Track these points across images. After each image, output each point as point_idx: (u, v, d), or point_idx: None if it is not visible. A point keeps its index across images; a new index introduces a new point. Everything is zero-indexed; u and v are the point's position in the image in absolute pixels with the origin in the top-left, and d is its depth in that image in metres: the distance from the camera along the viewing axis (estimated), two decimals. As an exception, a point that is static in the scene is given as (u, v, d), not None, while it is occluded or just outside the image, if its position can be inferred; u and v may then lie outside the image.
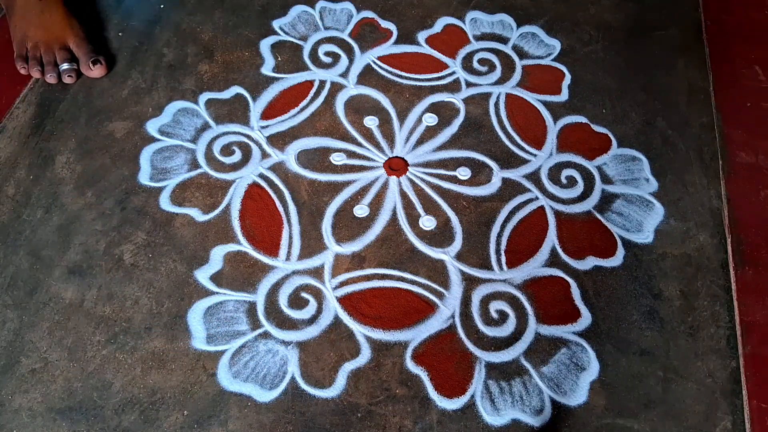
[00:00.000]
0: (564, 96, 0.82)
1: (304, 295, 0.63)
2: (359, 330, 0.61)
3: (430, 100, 0.80)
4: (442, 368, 0.59)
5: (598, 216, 0.71)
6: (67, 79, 0.78)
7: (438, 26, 0.89)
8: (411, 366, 0.59)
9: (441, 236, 0.68)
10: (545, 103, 0.81)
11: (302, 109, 0.78)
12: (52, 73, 0.77)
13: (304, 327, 0.61)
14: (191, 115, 0.77)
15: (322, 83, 0.81)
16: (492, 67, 0.84)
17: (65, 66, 0.78)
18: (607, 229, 0.70)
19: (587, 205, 0.72)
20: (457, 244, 0.67)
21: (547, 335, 0.62)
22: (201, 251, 0.65)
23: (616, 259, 0.67)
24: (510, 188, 0.72)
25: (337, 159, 0.73)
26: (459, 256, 0.66)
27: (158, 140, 0.74)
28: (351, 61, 0.84)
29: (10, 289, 0.62)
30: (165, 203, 0.69)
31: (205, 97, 0.79)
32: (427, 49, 0.86)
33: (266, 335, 0.60)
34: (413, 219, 0.69)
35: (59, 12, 0.79)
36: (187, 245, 0.66)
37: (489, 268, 0.66)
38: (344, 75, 0.82)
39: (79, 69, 0.79)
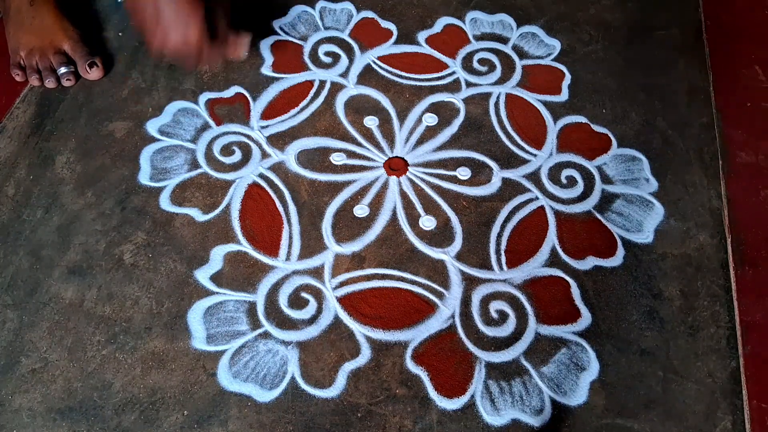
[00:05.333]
0: (564, 96, 0.82)
1: (304, 295, 0.63)
2: (359, 330, 0.61)
3: (430, 100, 0.80)
4: (442, 368, 0.59)
5: (598, 216, 0.71)
6: (66, 83, 0.78)
7: (438, 26, 0.89)
8: (411, 366, 0.59)
9: (441, 236, 0.68)
10: (545, 103, 0.81)
11: (302, 109, 0.78)
12: (50, 78, 0.77)
13: (304, 327, 0.61)
14: (191, 115, 0.77)
15: (322, 83, 0.81)
16: (492, 67, 0.84)
17: (63, 70, 0.77)
18: (607, 229, 0.70)
19: (587, 205, 0.72)
20: (457, 244, 0.67)
21: (547, 335, 0.62)
22: (201, 251, 0.65)
23: (616, 259, 0.67)
24: (510, 188, 0.72)
25: (337, 159, 0.74)
26: (459, 256, 0.66)
27: (158, 140, 0.74)
28: (351, 61, 0.84)
29: (10, 289, 0.62)
30: (165, 203, 0.69)
31: (205, 97, 0.79)
32: (427, 49, 0.86)
33: (266, 335, 0.60)
34: (413, 219, 0.69)
35: (51, 16, 0.78)
36: (187, 245, 0.66)
37: (489, 268, 0.66)
38: (344, 75, 0.82)
39: (77, 71, 0.79)
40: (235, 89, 0.79)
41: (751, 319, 0.63)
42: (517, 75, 0.84)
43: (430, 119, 0.78)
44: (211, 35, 0.66)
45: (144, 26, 0.65)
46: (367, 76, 0.82)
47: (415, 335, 0.61)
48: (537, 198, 0.72)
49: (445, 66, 0.84)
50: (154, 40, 0.65)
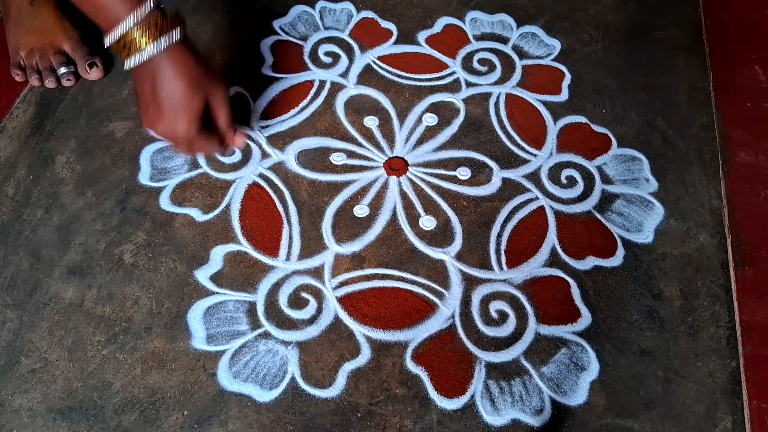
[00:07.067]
0: (564, 96, 0.82)
1: (304, 295, 0.63)
2: (359, 330, 0.61)
3: (430, 100, 0.80)
4: (442, 368, 0.59)
5: (598, 216, 0.71)
6: (66, 83, 0.78)
7: (438, 26, 0.89)
8: (411, 366, 0.59)
9: (441, 236, 0.68)
10: (545, 103, 0.81)
11: (302, 109, 0.78)
12: (50, 78, 0.77)
13: (304, 327, 0.61)
14: (191, 115, 0.77)
15: (322, 83, 0.81)
16: (492, 67, 0.84)
17: (63, 70, 0.77)
18: (607, 229, 0.70)
19: (587, 205, 0.72)
20: (457, 244, 0.67)
21: (547, 335, 0.62)
22: (201, 251, 0.65)
23: (616, 259, 0.67)
24: (510, 188, 0.72)
25: (337, 159, 0.73)
26: (459, 256, 0.66)
27: (158, 140, 0.74)
28: (351, 61, 0.84)
29: (10, 289, 0.62)
30: (165, 203, 0.69)
31: (205, 97, 0.78)
32: (427, 49, 0.86)
33: (266, 335, 0.60)
34: (413, 219, 0.69)
35: (52, 16, 0.78)
36: (187, 245, 0.66)
37: (489, 268, 0.66)
38: (344, 75, 0.82)
39: (77, 71, 0.79)
40: (235, 89, 0.79)
41: (751, 319, 0.63)
42: (517, 75, 0.84)
43: (430, 119, 0.78)
44: (208, 126, 0.62)
45: (139, 99, 0.60)
46: (367, 76, 0.82)
47: (415, 335, 0.61)
48: (537, 198, 0.72)
49: (445, 66, 0.84)
50: (145, 117, 0.60)
